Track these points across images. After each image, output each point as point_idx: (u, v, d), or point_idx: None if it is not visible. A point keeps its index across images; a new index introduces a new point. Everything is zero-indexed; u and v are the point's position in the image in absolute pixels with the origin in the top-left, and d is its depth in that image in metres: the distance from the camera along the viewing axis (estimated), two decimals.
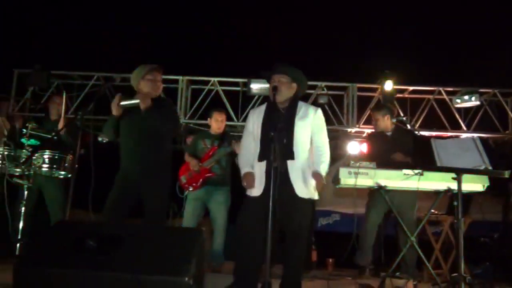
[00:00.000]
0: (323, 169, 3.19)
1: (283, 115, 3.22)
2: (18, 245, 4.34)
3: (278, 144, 2.89)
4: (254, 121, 3.33)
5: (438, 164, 2.82)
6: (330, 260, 5.90)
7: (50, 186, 4.68)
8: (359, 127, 6.90)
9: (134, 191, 3.41)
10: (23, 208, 4.43)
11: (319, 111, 3.33)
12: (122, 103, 3.35)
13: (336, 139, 7.04)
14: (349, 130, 6.93)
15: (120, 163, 3.53)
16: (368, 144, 5.08)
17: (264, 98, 6.55)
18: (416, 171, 3.91)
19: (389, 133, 4.71)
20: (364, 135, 6.98)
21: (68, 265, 1.99)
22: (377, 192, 4.26)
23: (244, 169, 3.26)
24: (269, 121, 3.19)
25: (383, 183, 3.96)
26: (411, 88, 6.91)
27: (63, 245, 2.07)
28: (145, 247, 2.06)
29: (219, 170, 4.70)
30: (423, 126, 6.87)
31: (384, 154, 4.49)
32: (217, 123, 4.83)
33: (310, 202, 3.22)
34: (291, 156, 3.13)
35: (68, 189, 3.40)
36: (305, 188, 3.15)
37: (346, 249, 4.65)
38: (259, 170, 3.17)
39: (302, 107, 3.31)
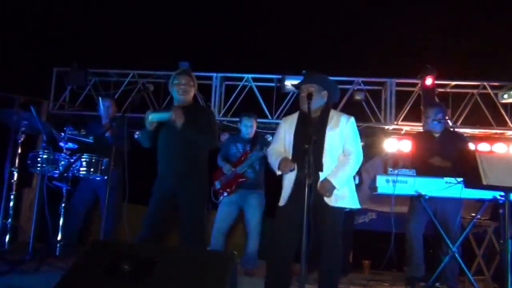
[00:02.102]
0: (340, 178, 3.06)
1: (314, 125, 3.13)
2: (58, 245, 4.49)
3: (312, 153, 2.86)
4: (286, 129, 3.29)
5: (485, 181, 2.65)
6: (366, 262, 5.79)
7: (103, 188, 4.68)
8: (397, 124, 6.66)
9: (170, 202, 3.44)
10: (62, 210, 4.57)
11: (352, 120, 3.23)
12: (152, 118, 3.33)
13: (373, 136, 6.85)
14: (386, 127, 6.70)
15: (157, 170, 3.55)
16: (413, 144, 4.82)
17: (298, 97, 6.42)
18: (459, 179, 3.75)
19: (437, 135, 4.45)
20: (403, 132, 6.74)
21: None
22: (416, 200, 4.10)
23: (277, 162, 3.15)
24: (302, 132, 3.11)
25: (423, 191, 3.83)
26: (453, 83, 6.59)
27: (98, 268, 2.08)
28: (178, 272, 2.05)
29: (252, 173, 4.68)
30: (466, 123, 6.55)
31: (427, 157, 4.31)
32: (246, 128, 4.79)
33: (341, 209, 3.14)
34: (320, 168, 3.07)
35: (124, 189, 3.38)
36: (335, 197, 3.08)
37: (385, 252, 4.55)
38: (288, 179, 3.15)
39: (334, 116, 3.23)
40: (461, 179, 3.71)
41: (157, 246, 2.47)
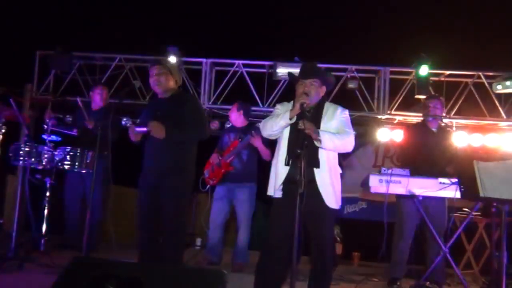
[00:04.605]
0: (328, 136, 2.96)
1: (309, 119, 3.03)
2: (42, 241, 4.39)
3: (305, 157, 2.80)
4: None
5: (482, 193, 2.57)
6: (356, 254, 5.77)
7: (88, 181, 4.63)
8: (390, 114, 6.55)
9: (155, 195, 3.42)
10: (46, 204, 4.44)
11: (346, 112, 3.19)
12: (137, 130, 3.40)
13: (365, 125, 6.75)
14: (379, 117, 6.59)
15: (142, 164, 3.53)
16: (407, 134, 4.72)
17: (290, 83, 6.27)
18: (454, 180, 3.69)
19: (434, 129, 4.37)
20: (396, 121, 6.65)
21: None
22: (405, 203, 4.03)
23: (283, 114, 3.05)
24: (297, 129, 2.98)
25: (417, 192, 3.77)
26: (447, 72, 6.47)
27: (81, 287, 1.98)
28: None
29: (239, 164, 4.61)
30: (459, 113, 6.47)
31: (425, 152, 4.21)
32: (231, 115, 4.81)
33: (336, 210, 3.13)
34: (316, 164, 3.00)
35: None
36: (333, 197, 3.05)
37: (376, 243, 4.51)
38: (281, 171, 3.06)
39: (329, 108, 3.17)
40: (455, 180, 3.66)
41: (143, 265, 2.36)
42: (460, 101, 6.45)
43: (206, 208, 4.86)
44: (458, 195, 3.59)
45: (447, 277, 4.56)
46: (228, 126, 6.00)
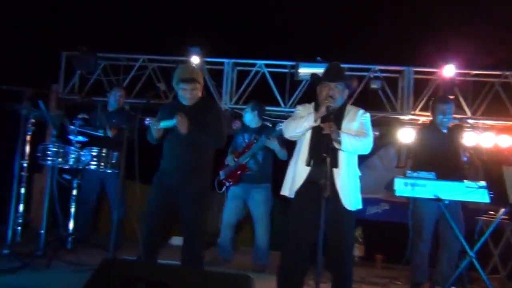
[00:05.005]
0: (348, 137, 2.98)
1: (332, 121, 3.01)
2: (69, 239, 4.48)
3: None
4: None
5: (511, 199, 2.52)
6: (378, 256, 5.71)
7: (110, 181, 4.75)
8: (414, 114, 6.47)
9: (171, 197, 3.46)
10: (73, 204, 4.53)
11: (367, 114, 3.20)
12: (161, 126, 3.36)
13: (387, 126, 6.67)
14: (402, 117, 6.51)
15: (160, 164, 3.56)
16: (416, 137, 4.65)
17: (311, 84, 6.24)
18: (481, 184, 3.63)
19: (445, 131, 4.26)
20: (420, 122, 6.55)
21: None
22: (428, 202, 3.95)
23: (307, 116, 3.07)
24: (318, 131, 3.00)
25: (442, 195, 3.71)
26: (473, 72, 6.35)
27: None
28: None
29: (255, 165, 4.62)
30: (486, 114, 6.34)
31: (434, 154, 4.09)
32: (244, 115, 4.82)
33: (356, 213, 3.12)
34: (335, 164, 3.00)
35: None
36: (352, 199, 3.05)
37: (399, 245, 4.46)
38: (301, 172, 3.06)
39: (350, 110, 3.19)
40: (483, 184, 3.60)
41: (172, 268, 2.40)
42: (487, 101, 6.32)
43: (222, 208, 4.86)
44: (486, 199, 3.53)
45: (473, 282, 4.49)
46: (237, 126, 6.00)
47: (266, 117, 6.54)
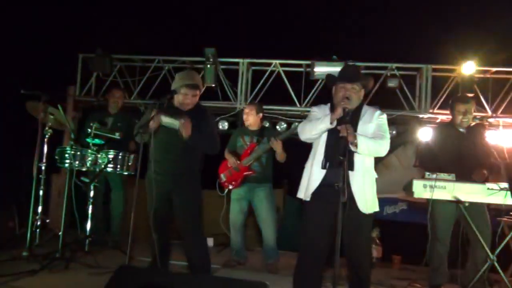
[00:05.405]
0: (365, 140, 2.94)
1: (349, 122, 2.98)
2: (87, 241, 4.51)
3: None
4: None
5: None
6: (397, 257, 5.62)
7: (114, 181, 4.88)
8: (432, 113, 6.35)
9: (167, 199, 3.53)
10: (90, 206, 4.57)
11: (384, 115, 3.14)
12: (163, 120, 3.33)
13: (405, 124, 6.56)
14: (420, 116, 6.39)
15: (149, 167, 3.50)
16: (432, 135, 4.55)
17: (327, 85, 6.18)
18: (503, 185, 3.54)
19: (463, 130, 4.16)
20: (438, 120, 6.43)
21: None
22: (446, 204, 3.86)
23: (323, 118, 3.02)
24: (335, 132, 2.95)
25: (462, 197, 3.63)
26: (494, 69, 6.20)
27: None
28: None
29: (259, 167, 4.59)
30: (507, 111, 6.18)
31: (450, 155, 4.02)
32: (245, 115, 4.70)
33: (372, 216, 3.08)
34: (351, 167, 2.96)
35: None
36: (368, 202, 3.01)
37: (417, 246, 4.38)
38: (317, 174, 3.02)
39: (366, 111, 3.14)
40: (505, 185, 3.51)
41: (187, 276, 2.39)
42: (508, 99, 6.17)
43: (223, 210, 4.79)
44: (508, 201, 3.44)
45: (494, 284, 4.39)
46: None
47: (281, 117, 6.54)
